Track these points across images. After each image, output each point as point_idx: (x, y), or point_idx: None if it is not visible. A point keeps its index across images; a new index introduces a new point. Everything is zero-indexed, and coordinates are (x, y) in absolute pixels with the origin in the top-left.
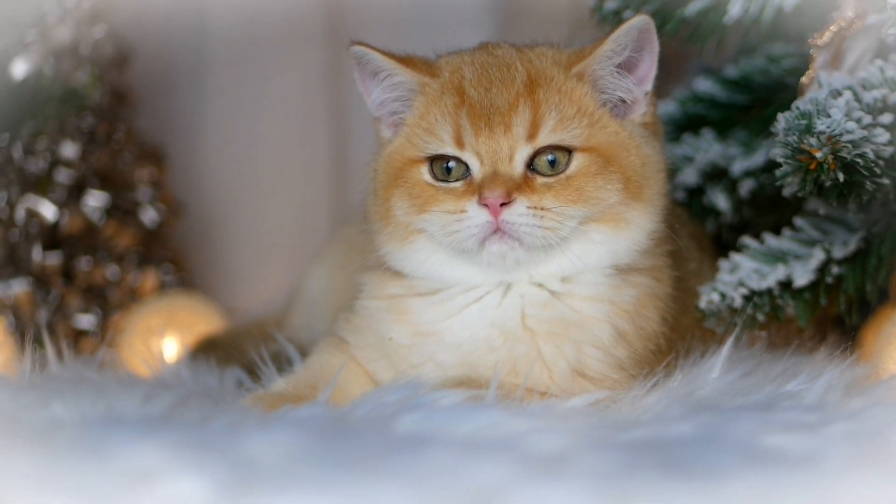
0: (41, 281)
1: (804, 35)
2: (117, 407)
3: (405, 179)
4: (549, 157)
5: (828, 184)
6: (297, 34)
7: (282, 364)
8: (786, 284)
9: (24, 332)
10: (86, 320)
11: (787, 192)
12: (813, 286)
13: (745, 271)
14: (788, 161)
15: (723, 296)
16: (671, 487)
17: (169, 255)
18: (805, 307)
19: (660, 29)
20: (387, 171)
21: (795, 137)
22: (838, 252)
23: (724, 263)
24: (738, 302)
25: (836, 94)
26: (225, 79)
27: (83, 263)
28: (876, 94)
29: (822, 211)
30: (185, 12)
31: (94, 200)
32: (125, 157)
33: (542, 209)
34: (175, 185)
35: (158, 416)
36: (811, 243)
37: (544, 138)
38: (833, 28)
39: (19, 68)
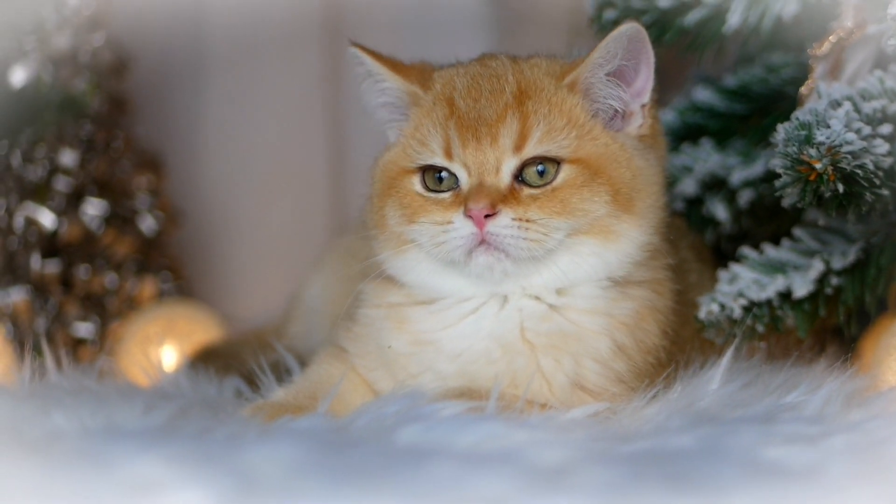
0: (40, 289)
1: (803, 45)
2: (118, 418)
3: (397, 189)
4: (539, 167)
5: (827, 195)
6: (294, 42)
7: (281, 373)
8: (785, 295)
9: (22, 341)
10: (84, 328)
11: (786, 202)
12: (812, 297)
13: (744, 282)
14: (788, 172)
15: (722, 306)
16: (672, 500)
17: (167, 263)
18: (804, 318)
19: (658, 38)
20: (382, 179)
21: (795, 148)
22: (837, 263)
23: (723, 274)
24: (737, 313)
25: (836, 104)
26: (223, 86)
27: (82, 271)
28: (875, 104)
29: (821, 222)
30: (184, 20)
31: (93, 208)
32: (124, 164)
33: (527, 221)
34: (173, 193)
35: (159, 428)
36: (810, 254)
37: (531, 149)
38: (832, 38)
39: (18, 76)
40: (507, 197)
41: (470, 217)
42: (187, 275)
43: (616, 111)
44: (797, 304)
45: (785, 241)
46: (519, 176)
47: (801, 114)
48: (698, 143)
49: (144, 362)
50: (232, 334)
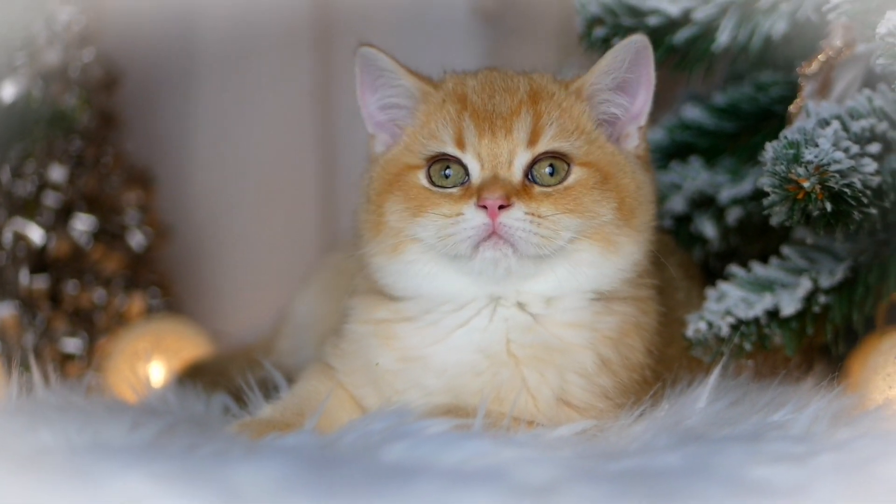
0: (28, 304)
1: (792, 63)
2: (104, 434)
3: (401, 185)
4: (548, 168)
5: (815, 213)
6: (284, 57)
7: (268, 390)
8: (773, 313)
9: (10, 356)
10: (72, 344)
11: (774, 220)
12: (800, 315)
13: (732, 300)
14: (776, 190)
15: (710, 324)
16: None
17: (156, 278)
18: (792, 336)
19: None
20: (382, 177)
21: (783, 166)
22: (825, 281)
23: (711, 292)
24: (725, 331)
25: (824, 123)
26: (212, 102)
27: (70, 287)
28: (864, 123)
29: (809, 240)
30: (173, 36)
31: (82, 224)
32: (113, 180)
33: (539, 216)
34: (163, 209)
35: (146, 444)
36: (798, 272)
37: (544, 145)
38: (821, 57)
39: (8, 91)
40: (520, 191)
41: (483, 207)
42: (176, 291)
43: (614, 127)
44: (785, 323)
45: (773, 260)
46: (528, 174)
47: (789, 132)
48: (687, 160)
49: (132, 378)
50: (220, 351)
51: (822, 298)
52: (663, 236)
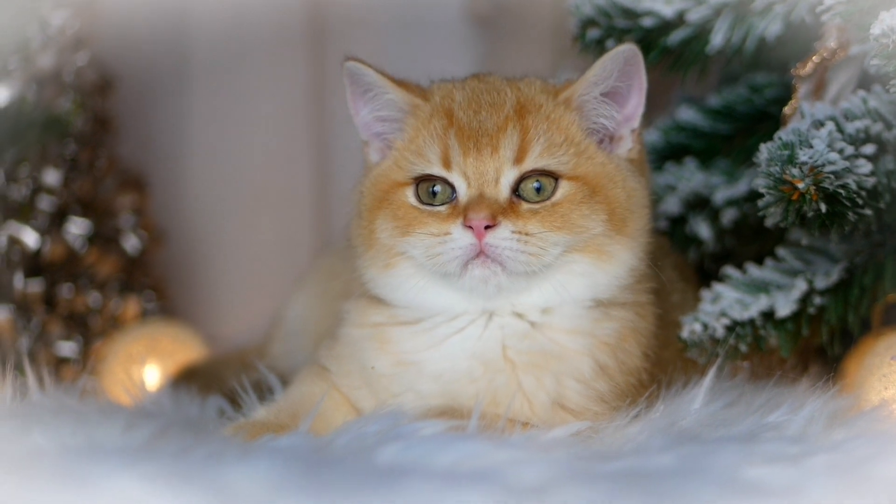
0: (23, 308)
1: (787, 65)
2: (98, 436)
3: (390, 202)
4: (535, 184)
5: (810, 214)
6: (278, 61)
7: (263, 392)
8: (768, 315)
9: (5, 360)
10: (67, 348)
11: (769, 222)
12: (795, 317)
13: (727, 301)
14: (771, 191)
15: (705, 326)
16: None
17: (151, 282)
18: (787, 338)
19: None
20: (373, 193)
21: (778, 168)
22: (820, 282)
23: (706, 293)
24: (720, 332)
25: (819, 124)
26: (207, 106)
27: (65, 291)
28: (858, 124)
29: (804, 241)
30: (167, 39)
31: (76, 228)
32: (107, 184)
33: (526, 234)
34: (157, 213)
35: (139, 446)
36: (793, 273)
37: (531, 162)
38: (816, 58)
39: (2, 95)
40: (507, 209)
41: (470, 228)
42: (170, 294)
43: (606, 133)
44: (780, 324)
45: (768, 261)
46: (516, 191)
47: (784, 134)
48: (682, 162)
49: (127, 381)
50: (214, 354)
51: (817, 300)
52: (658, 238)
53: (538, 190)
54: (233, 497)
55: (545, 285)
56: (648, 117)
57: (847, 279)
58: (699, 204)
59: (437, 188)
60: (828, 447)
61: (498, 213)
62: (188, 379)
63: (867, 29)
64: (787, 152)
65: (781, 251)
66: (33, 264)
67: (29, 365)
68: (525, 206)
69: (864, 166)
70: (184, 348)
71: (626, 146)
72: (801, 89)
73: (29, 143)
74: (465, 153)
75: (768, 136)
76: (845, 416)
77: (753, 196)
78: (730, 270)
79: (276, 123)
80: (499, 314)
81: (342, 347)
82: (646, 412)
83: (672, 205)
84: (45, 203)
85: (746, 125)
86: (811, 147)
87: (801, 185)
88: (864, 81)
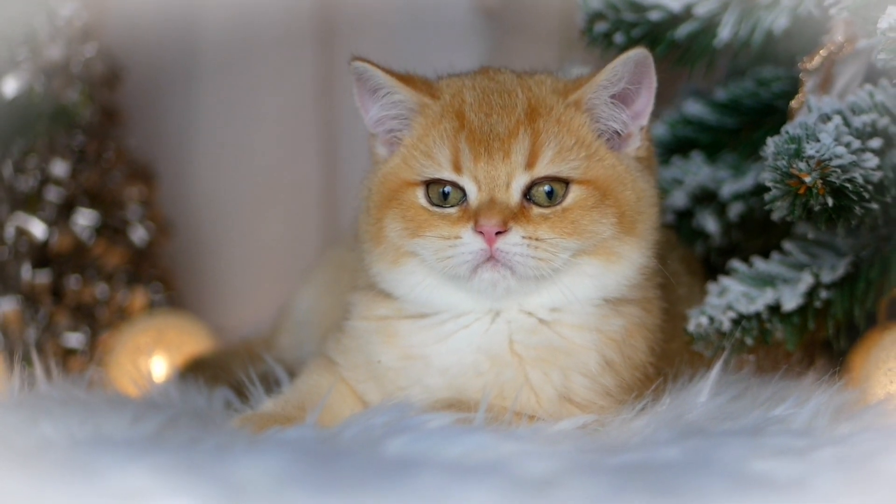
0: (30, 299)
1: (794, 59)
2: (106, 428)
3: (399, 201)
4: (547, 188)
5: (817, 208)
6: (287, 52)
7: (270, 384)
8: (774, 308)
9: (12, 351)
10: (75, 339)
11: (775, 215)
12: (801, 310)
13: (733, 295)
14: (777, 185)
15: (711, 319)
16: None
17: (158, 273)
18: (793, 331)
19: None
20: (381, 191)
21: (785, 161)
22: (827, 276)
23: (712, 287)
24: (726, 325)
25: (826, 118)
26: (215, 97)
27: (72, 282)
28: (865, 118)
29: (810, 235)
30: (175, 31)
31: (84, 219)
32: (115, 175)
33: (536, 240)
34: (165, 204)
35: (147, 438)
36: (800, 267)
37: (542, 168)
38: (823, 52)
39: (10, 86)
40: (518, 215)
41: (480, 233)
42: (178, 286)
43: (615, 133)
44: (786, 318)
45: (774, 255)
46: (526, 195)
47: (791, 127)
48: (689, 156)
49: (134, 373)
50: (222, 345)
51: (823, 293)
52: (665, 232)
53: (550, 194)
54: (240, 489)
55: (554, 287)
56: (655, 111)
57: (853, 273)
58: (706, 198)
59: (449, 190)
60: (833, 441)
61: (509, 219)
62: (195, 370)
63: (874, 23)
64: (793, 146)
65: (788, 245)
66: (41, 255)
67: (36, 356)
68: (536, 210)
69: (871, 160)
70: (191, 340)
71: (635, 144)
72: (808, 83)
73: (37, 134)
74: (476, 158)
75: (775, 130)
76: (851, 409)
77: (760, 190)
78: (736, 264)
79: (285, 115)
80: (506, 312)
81: (349, 340)
82: (652, 405)
83: (679, 199)
84: (52, 194)
85: (753, 119)
86: (818, 141)
87: (807, 179)
88: (871, 75)
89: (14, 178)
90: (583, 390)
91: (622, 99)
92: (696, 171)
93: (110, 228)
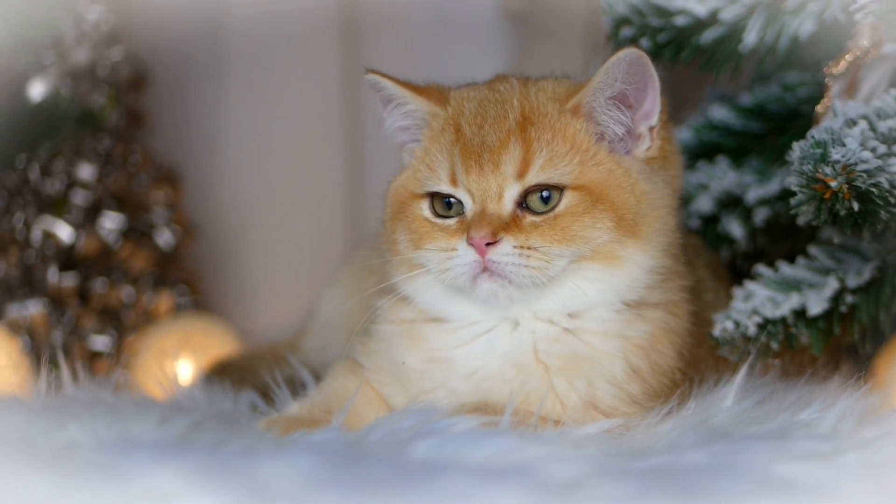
0: (57, 302)
1: (819, 64)
2: (133, 430)
3: (407, 214)
4: (543, 193)
5: (842, 213)
6: (312, 56)
7: (296, 387)
8: (800, 313)
9: (39, 354)
10: (101, 342)
11: (801, 220)
12: (827, 315)
13: (759, 299)
14: (803, 190)
15: (737, 324)
16: None
17: (184, 276)
18: (819, 336)
19: (675, 57)
20: (393, 203)
21: (810, 166)
22: (852, 281)
23: (738, 291)
24: (752, 330)
25: (852, 123)
26: (240, 101)
27: (98, 285)
28: (891, 123)
29: (836, 240)
30: (201, 35)
31: (110, 222)
32: (141, 178)
33: (528, 248)
34: (190, 208)
35: (174, 440)
36: (825, 272)
37: (533, 177)
38: (848, 57)
39: (37, 90)
40: (510, 224)
41: (472, 245)
42: (203, 289)
43: (623, 134)
44: (812, 322)
45: (800, 259)
46: (523, 202)
47: (816, 132)
48: (714, 160)
49: (160, 375)
50: (247, 348)
51: (849, 298)
52: (691, 237)
53: (546, 200)
54: (266, 491)
55: (560, 292)
56: (681, 116)
57: (879, 278)
58: (731, 203)
59: (452, 199)
60: (858, 445)
61: (500, 230)
62: (221, 373)
63: None
64: (819, 151)
65: (813, 249)
66: (67, 258)
67: (63, 359)
68: (528, 219)
69: None
70: (217, 343)
71: (645, 145)
72: (834, 88)
73: (63, 137)
74: (468, 170)
75: (801, 135)
76: (876, 414)
77: (786, 195)
78: (762, 269)
79: (310, 118)
80: (524, 320)
81: (375, 343)
82: (678, 409)
83: (704, 204)
84: (79, 197)
85: (779, 124)
86: (844, 146)
87: (833, 184)
88: None
89: (41, 181)
90: (608, 398)
91: (622, 100)
92: (722, 176)
93: (136, 231)
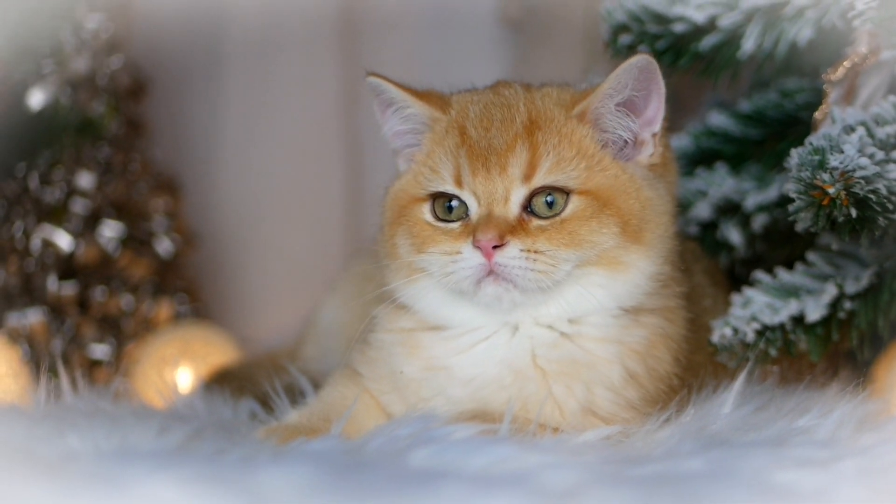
0: (56, 311)
1: (818, 70)
2: (132, 439)
3: (407, 218)
4: (549, 197)
5: (840, 219)
6: (311, 63)
7: (295, 396)
8: (798, 319)
9: (38, 362)
10: (100, 350)
11: (799, 227)
12: (825, 321)
13: (757, 306)
14: (801, 196)
15: (735, 330)
16: None
17: (183, 285)
18: (817, 342)
19: (673, 63)
20: (392, 208)
21: (808, 173)
22: (850, 287)
23: (736, 298)
24: (750, 336)
25: (850, 129)
26: (240, 110)
27: (98, 293)
28: (889, 129)
29: (834, 246)
30: (200, 43)
31: (110, 230)
32: (140, 187)
33: (535, 252)
34: (190, 216)
35: (173, 449)
36: (824, 278)
37: (540, 179)
38: (846, 63)
39: (36, 98)
40: (516, 228)
41: (478, 248)
42: (203, 297)
43: (626, 141)
44: (810, 329)
45: (798, 266)
46: (528, 206)
47: (814, 139)
48: (713, 167)
49: (160, 384)
50: (247, 356)
51: (847, 304)
52: (689, 243)
53: (551, 204)
54: (265, 500)
55: (562, 298)
56: (679, 122)
57: (877, 284)
58: (730, 209)
59: (454, 203)
60: (857, 451)
61: (506, 233)
62: (221, 382)
63: None
64: (817, 157)
65: (811, 256)
66: (67, 267)
67: (62, 367)
68: (535, 222)
69: (895, 171)
70: (216, 351)
71: (648, 151)
72: (832, 94)
73: (63, 146)
74: (475, 172)
75: (799, 142)
76: (875, 420)
77: (784, 201)
78: (760, 275)
79: (309, 126)
80: (523, 326)
81: (373, 352)
82: (676, 416)
83: (703, 210)
84: (78, 206)
85: (777, 130)
86: (842, 152)
87: (831, 190)
88: (895, 87)
89: (40, 189)
90: (606, 403)
91: (629, 107)
92: (721, 183)
93: (136, 240)
